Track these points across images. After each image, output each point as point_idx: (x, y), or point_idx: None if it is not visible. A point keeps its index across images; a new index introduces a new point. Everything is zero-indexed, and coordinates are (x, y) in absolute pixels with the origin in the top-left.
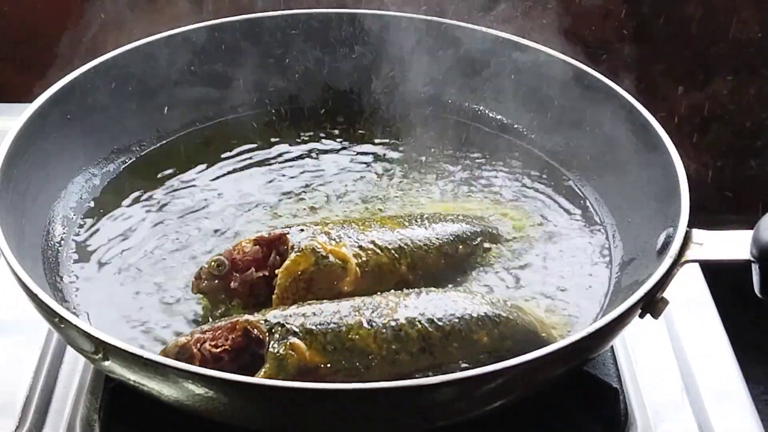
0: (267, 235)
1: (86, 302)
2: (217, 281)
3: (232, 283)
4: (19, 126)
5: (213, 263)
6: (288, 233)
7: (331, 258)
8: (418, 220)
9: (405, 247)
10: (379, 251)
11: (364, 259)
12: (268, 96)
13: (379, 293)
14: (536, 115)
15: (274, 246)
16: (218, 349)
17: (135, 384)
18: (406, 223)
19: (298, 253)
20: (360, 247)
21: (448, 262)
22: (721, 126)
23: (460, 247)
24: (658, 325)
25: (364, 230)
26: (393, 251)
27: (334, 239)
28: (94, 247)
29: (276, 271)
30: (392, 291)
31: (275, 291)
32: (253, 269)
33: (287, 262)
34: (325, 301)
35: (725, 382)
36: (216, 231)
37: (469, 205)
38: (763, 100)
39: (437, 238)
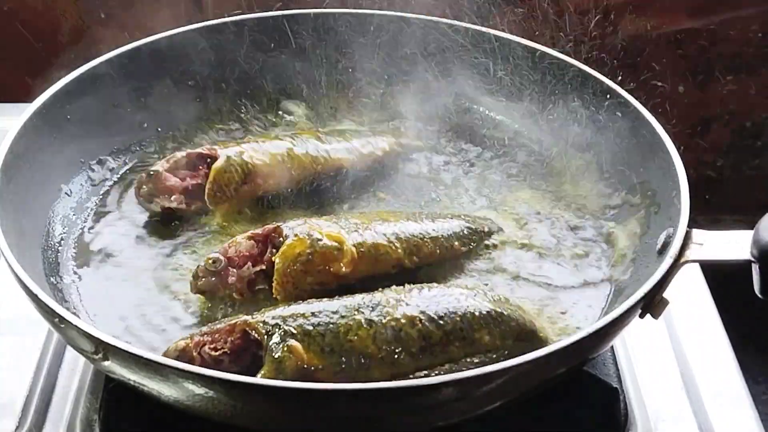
0: (261, 231)
1: (86, 302)
2: (214, 279)
3: (229, 279)
4: (19, 126)
5: (209, 260)
6: (281, 225)
7: (326, 240)
8: (416, 216)
9: (401, 233)
10: (375, 233)
11: (360, 240)
12: (271, 96)
13: (379, 289)
14: (535, 115)
15: (269, 240)
16: (218, 352)
17: (135, 384)
18: (403, 217)
19: (294, 239)
20: (356, 231)
21: (445, 256)
22: (721, 126)
23: (456, 243)
24: (658, 325)
25: (361, 220)
26: (389, 235)
27: (330, 226)
28: (94, 248)
29: (273, 258)
30: (393, 287)
31: (274, 276)
32: (249, 264)
33: (283, 247)
34: (324, 299)
35: (725, 382)
36: (216, 231)
37: (468, 204)
38: (763, 100)
39: (434, 230)
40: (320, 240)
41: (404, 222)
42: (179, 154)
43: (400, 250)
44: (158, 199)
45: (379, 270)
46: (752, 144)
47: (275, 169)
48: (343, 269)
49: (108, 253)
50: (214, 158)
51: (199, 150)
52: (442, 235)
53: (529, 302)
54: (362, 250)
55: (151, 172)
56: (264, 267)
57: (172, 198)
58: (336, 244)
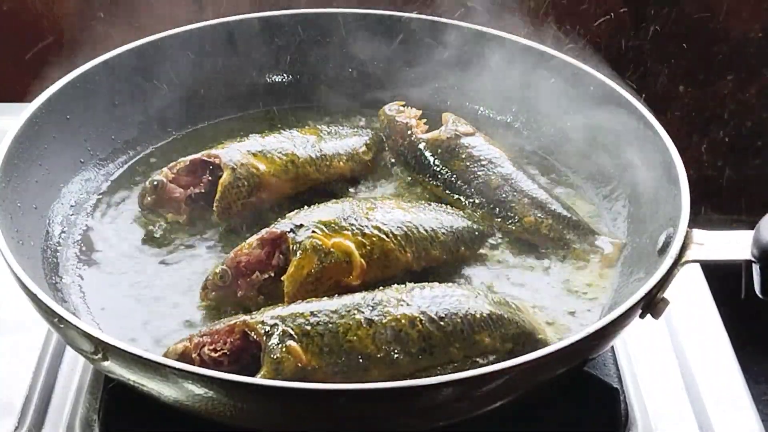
0: (266, 235)
1: (86, 302)
2: (223, 292)
3: (239, 293)
4: (19, 125)
5: (216, 275)
6: (287, 231)
7: (335, 253)
8: (425, 207)
9: (411, 234)
10: (384, 237)
11: (368, 248)
12: (270, 94)
13: (380, 288)
14: (536, 115)
15: (276, 245)
16: (217, 353)
17: (135, 384)
18: (413, 209)
19: (301, 256)
20: (363, 234)
21: (450, 259)
22: (721, 126)
23: (462, 248)
24: (658, 325)
25: (368, 213)
26: (399, 238)
27: (335, 229)
28: (94, 247)
29: (282, 278)
30: (394, 286)
31: (285, 298)
32: (257, 272)
33: (291, 269)
34: (325, 297)
35: (725, 382)
36: (216, 229)
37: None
38: (763, 100)
39: (443, 233)
40: (328, 254)
41: (414, 215)
42: (181, 161)
43: (409, 254)
44: (162, 210)
45: (388, 275)
46: (752, 144)
47: (279, 180)
48: (354, 282)
49: (108, 253)
50: (216, 165)
51: (200, 156)
52: (450, 239)
53: (529, 303)
54: (373, 257)
55: (155, 182)
56: (272, 274)
57: (180, 211)
58: (345, 257)
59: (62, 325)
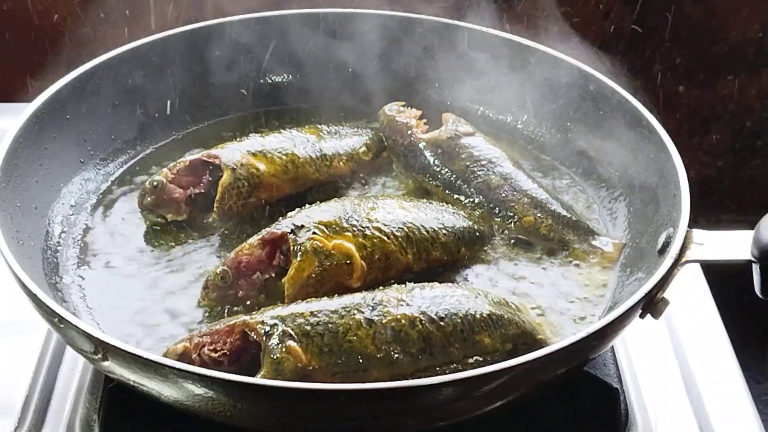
0: (267, 236)
1: (86, 302)
2: (224, 292)
3: (239, 293)
4: (19, 126)
5: (217, 275)
6: (288, 232)
7: (335, 255)
8: (427, 206)
9: (412, 235)
10: (385, 238)
11: (369, 249)
12: (269, 94)
13: (380, 288)
14: (537, 115)
15: (277, 245)
16: (217, 354)
17: (135, 384)
18: (414, 209)
19: (301, 258)
20: (365, 236)
21: (450, 259)
22: (721, 126)
23: (463, 249)
24: (658, 325)
25: (369, 213)
26: (400, 239)
27: (336, 230)
28: (94, 247)
29: (283, 279)
30: (394, 286)
31: (285, 300)
32: (258, 273)
33: (292, 271)
34: (325, 297)
35: (725, 382)
36: (216, 230)
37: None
38: (763, 100)
39: (444, 234)
40: (329, 256)
41: (415, 213)
42: (181, 161)
43: (410, 255)
44: (162, 211)
45: (388, 276)
46: (752, 144)
47: (279, 180)
48: (354, 284)
49: (108, 253)
50: (216, 165)
51: (200, 156)
52: (451, 240)
53: (529, 304)
54: (374, 259)
55: (155, 182)
56: (273, 274)
57: (180, 211)
58: (345, 258)
59: (62, 325)
